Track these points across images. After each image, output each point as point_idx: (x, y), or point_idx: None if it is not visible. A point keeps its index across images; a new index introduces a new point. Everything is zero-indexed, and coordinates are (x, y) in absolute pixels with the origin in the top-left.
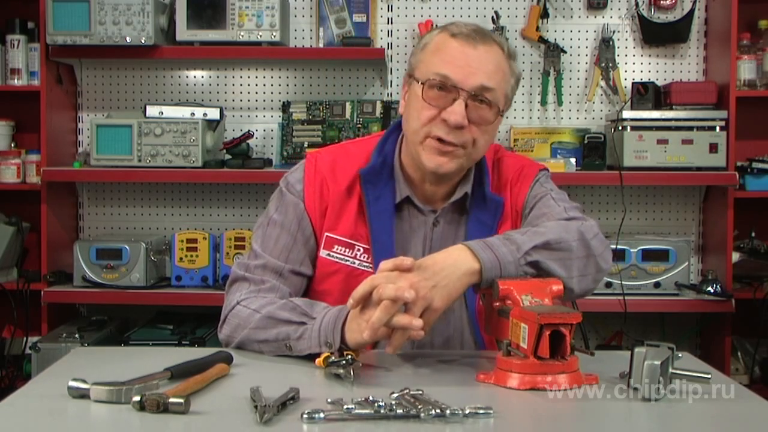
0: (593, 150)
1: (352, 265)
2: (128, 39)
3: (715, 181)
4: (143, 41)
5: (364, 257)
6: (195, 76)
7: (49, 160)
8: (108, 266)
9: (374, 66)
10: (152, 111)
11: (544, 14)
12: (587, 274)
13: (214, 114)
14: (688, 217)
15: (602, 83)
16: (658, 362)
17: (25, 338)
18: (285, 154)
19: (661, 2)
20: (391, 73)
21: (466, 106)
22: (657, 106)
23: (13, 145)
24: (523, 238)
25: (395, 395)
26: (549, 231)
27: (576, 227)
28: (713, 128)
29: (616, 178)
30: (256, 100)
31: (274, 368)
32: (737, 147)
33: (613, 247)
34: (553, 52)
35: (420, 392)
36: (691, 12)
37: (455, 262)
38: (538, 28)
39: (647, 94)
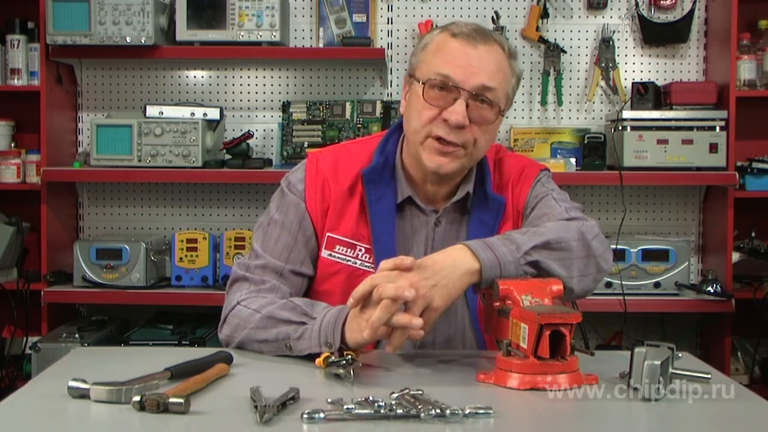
0: (593, 150)
1: (353, 265)
2: (128, 39)
3: (715, 181)
4: (143, 41)
5: (365, 257)
6: (195, 76)
7: (49, 160)
8: (108, 266)
9: (374, 66)
10: (152, 111)
11: (544, 14)
12: (588, 274)
13: (214, 114)
14: (688, 217)
15: (602, 83)
16: (658, 362)
17: (25, 338)
18: (285, 154)
19: (661, 2)
20: (391, 73)
21: (467, 105)
22: (657, 106)
23: (13, 145)
24: (523, 237)
25: (395, 395)
26: (549, 231)
27: (577, 227)
28: (713, 128)
29: (616, 178)
30: (256, 100)
31: (274, 368)
32: (737, 147)
33: (613, 247)
34: (553, 52)
35: (420, 392)
36: (691, 12)
37: (455, 262)
38: (538, 28)
39: (647, 94)
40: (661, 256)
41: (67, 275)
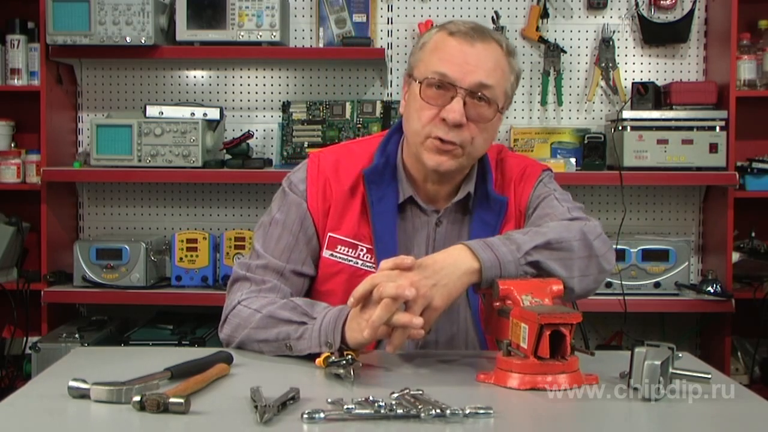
0: (593, 150)
1: (355, 265)
2: (128, 39)
3: (715, 181)
4: (143, 41)
5: (367, 257)
6: (195, 76)
7: (49, 160)
8: (108, 266)
9: (374, 66)
10: (152, 111)
11: (544, 14)
12: (589, 274)
13: (214, 114)
14: (688, 217)
15: (602, 83)
16: (658, 362)
17: (25, 338)
18: (285, 154)
19: (661, 2)
20: (391, 73)
21: (465, 104)
22: (657, 106)
23: (13, 145)
24: (524, 237)
25: (395, 395)
26: (550, 231)
27: (578, 227)
28: (713, 128)
29: (616, 178)
30: (256, 100)
31: (274, 368)
32: (737, 147)
33: (613, 247)
34: (553, 52)
35: (420, 392)
36: (691, 12)
37: (455, 262)
38: (538, 28)
39: (647, 94)
40: (661, 256)
41: (67, 275)
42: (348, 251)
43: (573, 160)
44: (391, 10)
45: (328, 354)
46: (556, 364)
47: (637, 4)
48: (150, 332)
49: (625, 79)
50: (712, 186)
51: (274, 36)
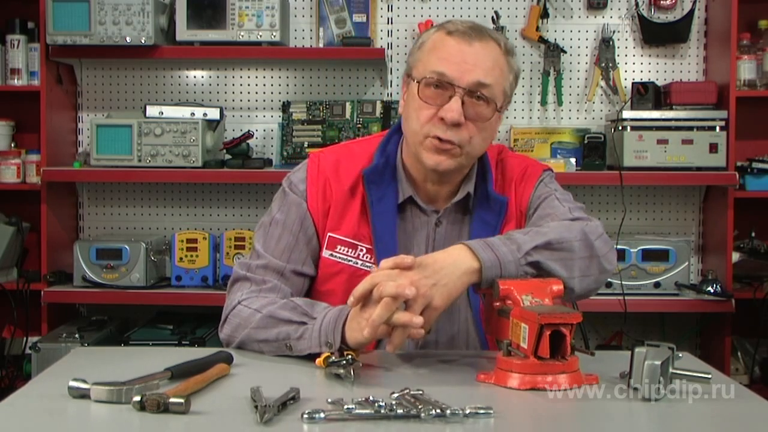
0: (593, 150)
1: (354, 265)
2: (128, 39)
3: (715, 181)
4: (143, 41)
5: (366, 257)
6: (195, 76)
7: (49, 160)
8: (108, 266)
9: (374, 66)
10: (152, 111)
11: (544, 14)
12: (589, 274)
13: (214, 114)
14: (688, 217)
15: (602, 83)
16: (658, 362)
17: (25, 338)
18: (285, 154)
19: (661, 2)
20: (391, 73)
21: (463, 103)
22: (657, 106)
23: (13, 145)
24: (524, 237)
25: (395, 395)
26: (551, 231)
27: (579, 227)
28: (713, 128)
29: (616, 178)
30: (256, 100)
31: (274, 368)
32: (737, 147)
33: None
34: (553, 52)
35: (420, 392)
36: (691, 12)
37: (455, 261)
38: (538, 28)
39: (647, 94)
40: (661, 256)
41: (67, 275)
42: (348, 251)
43: (573, 160)
44: (391, 10)
45: (328, 354)
46: (556, 364)
47: (637, 4)
48: (150, 332)
49: (625, 79)
50: (712, 186)
51: (274, 36)
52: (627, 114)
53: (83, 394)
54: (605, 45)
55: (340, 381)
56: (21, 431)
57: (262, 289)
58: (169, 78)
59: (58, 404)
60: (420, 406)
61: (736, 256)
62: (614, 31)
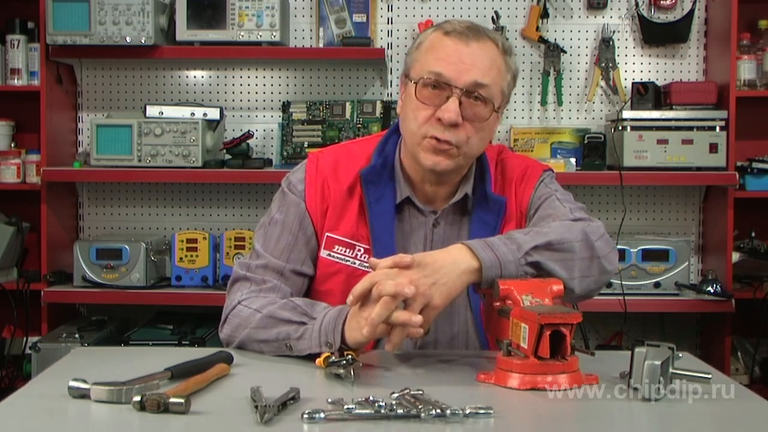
0: (593, 150)
1: (352, 265)
2: (128, 39)
3: (715, 181)
4: (143, 41)
5: (364, 257)
6: (195, 76)
7: (49, 160)
8: (108, 266)
9: (374, 66)
10: (152, 111)
11: (544, 14)
12: (590, 275)
13: (214, 114)
14: (688, 217)
15: (602, 83)
16: (658, 362)
17: (25, 338)
18: (285, 154)
19: (661, 2)
20: (391, 73)
21: (461, 103)
22: (657, 106)
23: (13, 145)
24: (525, 237)
25: (395, 395)
26: (552, 231)
27: (580, 228)
28: (713, 128)
29: (616, 178)
30: (256, 100)
31: (274, 368)
32: (737, 147)
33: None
34: (553, 52)
35: (420, 392)
36: (691, 12)
37: (455, 261)
38: (538, 28)
39: (647, 94)
40: (661, 256)
41: (67, 275)
42: (346, 251)
43: (573, 160)
44: (391, 10)
45: (329, 354)
46: (556, 364)
47: (637, 4)
48: (150, 332)
49: (625, 79)
50: (712, 186)
51: (274, 36)
52: (627, 114)
53: (83, 394)
54: (605, 45)
55: (340, 381)
56: (21, 431)
57: (262, 289)
58: (169, 78)
59: (58, 404)
60: (420, 406)
61: (736, 256)
62: (614, 31)
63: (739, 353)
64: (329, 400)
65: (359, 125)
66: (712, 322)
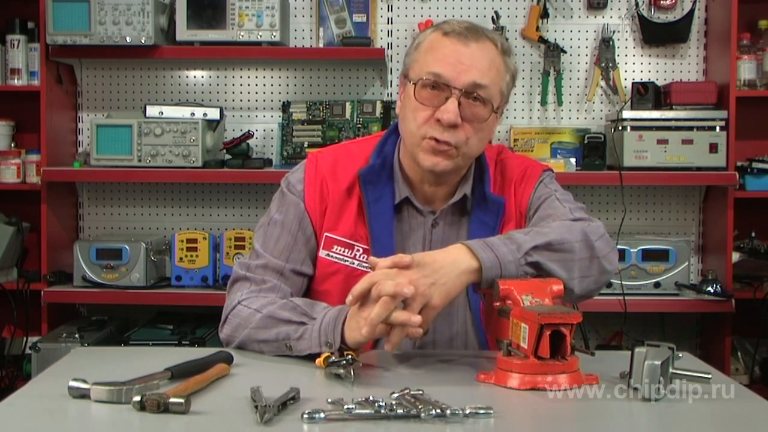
0: (593, 150)
1: (351, 265)
2: (128, 39)
3: (715, 181)
4: (143, 41)
5: (363, 258)
6: (195, 76)
7: (49, 160)
8: (108, 266)
9: (374, 66)
10: (152, 111)
11: (544, 14)
12: (589, 275)
13: (214, 114)
14: (688, 217)
15: (602, 83)
16: (658, 362)
17: (25, 338)
18: (285, 154)
19: (661, 2)
20: (391, 73)
21: (460, 104)
22: (657, 106)
23: (13, 145)
24: (524, 237)
25: (395, 395)
26: (552, 231)
27: (580, 228)
28: (713, 128)
29: (616, 178)
30: (256, 100)
31: (274, 368)
32: (737, 147)
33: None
34: (553, 52)
35: (420, 392)
36: (691, 12)
37: (454, 261)
38: (538, 28)
39: (647, 94)
40: (661, 256)
41: (67, 275)
42: (344, 251)
43: (573, 160)
44: (391, 10)
45: (328, 354)
46: (556, 364)
47: (637, 4)
48: (150, 332)
49: (625, 79)
50: (712, 186)
51: (274, 36)
52: (627, 114)
53: (83, 394)
54: (605, 45)
55: (340, 381)
56: (21, 431)
57: (261, 289)
58: (169, 78)
59: (58, 404)
60: (420, 406)
61: (736, 256)
62: (614, 31)
63: (739, 353)
64: (329, 400)
65: (359, 125)
66: (712, 322)
